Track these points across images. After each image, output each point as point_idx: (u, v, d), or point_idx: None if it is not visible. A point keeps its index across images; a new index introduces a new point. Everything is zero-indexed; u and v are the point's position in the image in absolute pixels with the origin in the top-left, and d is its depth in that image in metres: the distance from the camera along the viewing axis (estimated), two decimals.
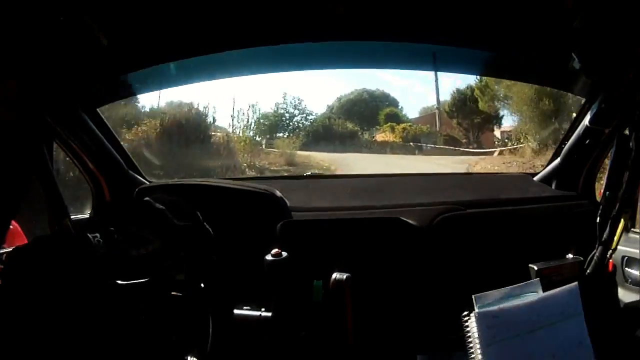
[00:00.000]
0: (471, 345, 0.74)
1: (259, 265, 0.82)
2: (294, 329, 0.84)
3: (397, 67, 1.20)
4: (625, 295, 0.93)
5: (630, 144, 0.89)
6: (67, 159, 1.13)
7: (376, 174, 1.57)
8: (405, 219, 0.96)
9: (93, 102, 1.07)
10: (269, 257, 0.82)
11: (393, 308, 0.95)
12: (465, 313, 0.76)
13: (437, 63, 1.13)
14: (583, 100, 1.06)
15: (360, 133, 10.77)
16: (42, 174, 0.94)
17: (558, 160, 1.13)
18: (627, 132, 0.92)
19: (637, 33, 0.74)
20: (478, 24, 0.88)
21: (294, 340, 0.84)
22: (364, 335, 0.86)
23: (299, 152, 8.69)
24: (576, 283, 0.81)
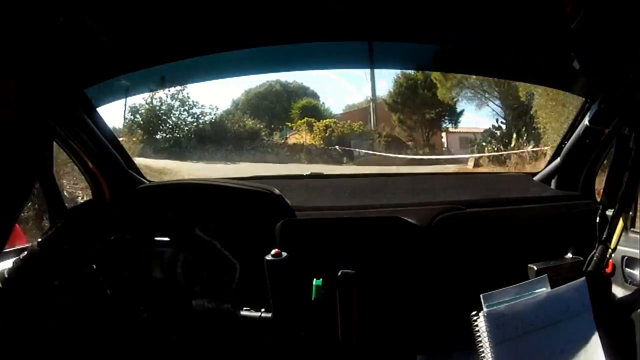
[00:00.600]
0: (481, 344, 0.74)
1: (259, 265, 0.82)
2: (294, 329, 0.84)
3: (395, 67, 1.20)
4: (625, 296, 0.93)
5: (630, 144, 0.89)
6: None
7: (376, 174, 1.57)
8: (405, 219, 0.96)
9: (93, 102, 1.07)
10: (269, 257, 0.82)
11: (392, 308, 0.95)
12: (474, 312, 0.76)
13: (436, 62, 1.13)
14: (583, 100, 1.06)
15: (265, 134, 7.75)
16: (42, 174, 0.94)
17: (558, 160, 1.13)
18: (627, 132, 0.92)
19: (637, 33, 0.74)
20: (478, 24, 0.88)
21: (294, 340, 0.84)
22: (364, 334, 0.86)
23: (150, 163, 6.05)
24: (584, 279, 0.81)
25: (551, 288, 0.81)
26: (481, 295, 0.75)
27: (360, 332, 0.85)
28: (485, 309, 0.74)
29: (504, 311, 0.74)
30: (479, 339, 0.74)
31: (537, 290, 0.79)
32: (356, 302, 0.82)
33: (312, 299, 0.88)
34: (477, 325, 0.75)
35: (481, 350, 0.74)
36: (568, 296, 0.79)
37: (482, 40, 0.94)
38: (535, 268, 0.91)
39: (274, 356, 0.83)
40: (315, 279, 0.89)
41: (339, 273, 0.82)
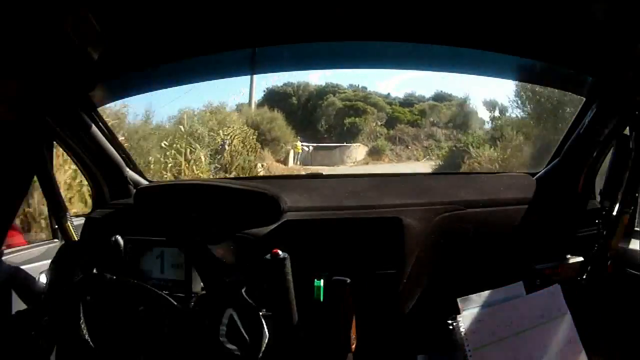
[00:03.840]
0: (459, 349, 0.75)
1: (258, 265, 0.82)
2: (294, 329, 0.84)
3: (395, 67, 1.20)
4: (624, 295, 0.93)
5: (630, 144, 0.89)
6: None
7: (376, 174, 1.57)
8: (404, 219, 0.96)
9: (93, 102, 1.07)
10: (268, 257, 0.82)
11: (392, 308, 0.95)
12: (452, 317, 0.76)
13: (435, 63, 1.13)
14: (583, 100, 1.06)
15: None
16: (42, 174, 0.94)
17: (558, 160, 1.12)
18: (627, 132, 0.92)
19: (637, 33, 0.74)
20: (477, 24, 0.88)
21: (294, 340, 0.84)
22: (364, 335, 0.86)
23: None
24: (557, 284, 0.82)
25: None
26: (458, 300, 0.76)
27: (360, 334, 0.85)
28: (462, 313, 0.75)
29: (479, 317, 0.76)
30: (457, 344, 0.75)
31: (512, 296, 0.80)
32: (354, 308, 0.82)
33: (313, 299, 0.88)
34: (454, 330, 0.76)
35: (460, 354, 0.75)
36: (543, 301, 0.80)
37: (483, 40, 0.94)
38: (536, 268, 0.91)
39: (274, 356, 0.83)
40: (315, 280, 0.89)
41: (333, 280, 0.81)
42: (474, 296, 0.77)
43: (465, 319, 0.75)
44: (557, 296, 0.81)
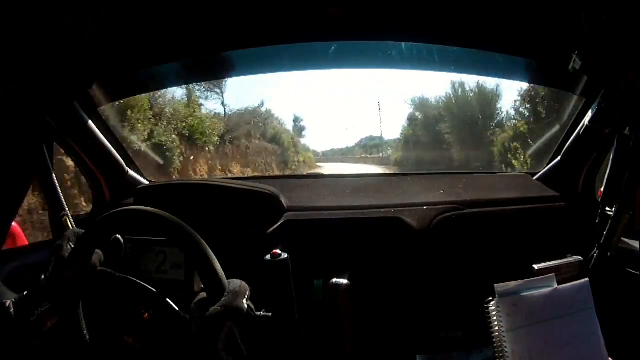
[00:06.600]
0: (492, 330, 0.80)
1: (258, 265, 0.82)
2: (294, 329, 0.84)
3: (396, 67, 1.20)
4: (625, 295, 0.93)
5: (630, 144, 0.89)
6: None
7: (376, 174, 1.57)
8: (404, 219, 0.96)
9: (93, 102, 1.07)
10: (268, 257, 0.82)
11: (392, 308, 0.95)
12: (488, 299, 0.81)
13: (435, 63, 1.13)
14: (583, 100, 1.06)
15: None
16: (42, 174, 0.94)
17: (558, 160, 1.12)
18: (627, 132, 0.92)
19: (637, 33, 0.74)
20: (477, 24, 0.88)
21: (294, 340, 0.84)
22: (363, 335, 0.86)
23: None
24: (587, 279, 0.85)
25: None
26: (495, 285, 0.81)
27: (360, 333, 0.85)
28: (498, 298, 0.81)
29: (514, 301, 0.81)
30: (491, 325, 0.80)
31: (545, 286, 0.85)
32: (350, 308, 0.82)
33: (313, 299, 0.88)
34: (489, 312, 0.81)
35: (493, 335, 0.80)
36: (572, 294, 0.85)
37: (482, 40, 0.94)
38: (536, 268, 0.91)
39: (274, 356, 0.83)
40: (315, 280, 0.89)
41: (331, 280, 0.81)
42: (509, 283, 0.83)
43: (502, 302, 0.80)
44: (585, 290, 0.86)
